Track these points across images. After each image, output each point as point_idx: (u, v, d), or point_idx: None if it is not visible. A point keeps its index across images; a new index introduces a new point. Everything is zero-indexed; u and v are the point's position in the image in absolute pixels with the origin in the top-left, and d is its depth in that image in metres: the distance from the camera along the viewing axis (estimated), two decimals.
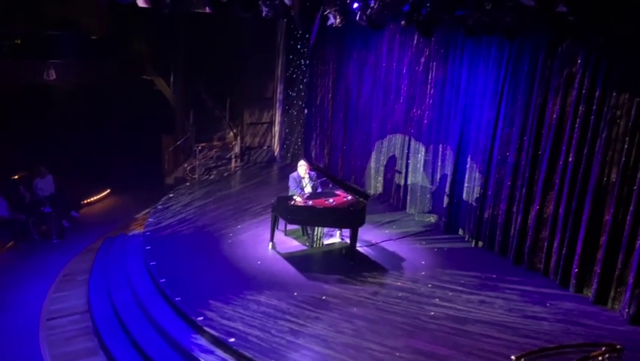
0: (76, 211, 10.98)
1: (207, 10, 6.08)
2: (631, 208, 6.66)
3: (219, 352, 5.98)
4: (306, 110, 13.29)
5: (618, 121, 6.83)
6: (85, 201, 11.69)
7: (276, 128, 13.98)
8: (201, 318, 6.38)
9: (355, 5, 7.18)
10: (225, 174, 12.72)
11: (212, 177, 12.52)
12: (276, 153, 14.07)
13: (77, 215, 10.89)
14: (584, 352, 5.26)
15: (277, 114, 13.88)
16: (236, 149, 13.32)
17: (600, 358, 4.67)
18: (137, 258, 8.21)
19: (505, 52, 8.28)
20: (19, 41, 11.83)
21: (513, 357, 4.68)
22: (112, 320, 7.08)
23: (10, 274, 8.47)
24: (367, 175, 11.52)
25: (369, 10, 6.09)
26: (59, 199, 10.40)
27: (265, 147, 14.01)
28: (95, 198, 12.03)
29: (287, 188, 8.91)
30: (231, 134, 13.69)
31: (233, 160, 13.05)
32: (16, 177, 11.12)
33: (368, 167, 11.48)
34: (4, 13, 12.29)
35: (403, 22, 7.19)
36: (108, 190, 12.48)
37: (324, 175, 8.94)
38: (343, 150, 12.19)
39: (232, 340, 5.97)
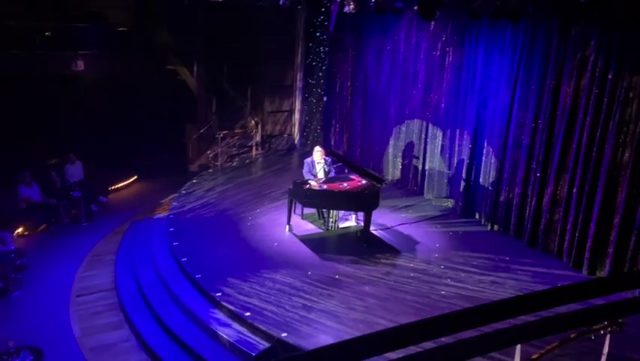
0: (104, 196, 11.43)
1: None
2: None
3: (236, 325, 6.28)
4: (325, 98, 13.48)
5: (631, 102, 6.84)
6: (112, 187, 12.14)
7: (296, 116, 14.20)
8: (219, 294, 6.68)
9: None
10: (247, 162, 13.03)
11: (234, 164, 12.85)
12: (296, 141, 14.30)
13: (105, 200, 11.34)
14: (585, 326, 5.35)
15: (297, 102, 14.09)
16: (257, 137, 13.60)
17: (602, 331, 4.76)
18: (161, 239, 8.58)
19: (520, 37, 8.30)
20: (48, 34, 12.29)
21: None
22: (137, 297, 7.45)
23: (42, 255, 8.94)
24: (385, 161, 11.66)
25: None
26: (88, 185, 10.86)
27: (285, 135, 14.25)
28: (122, 184, 12.48)
29: (303, 176, 9.13)
30: (252, 122, 13.97)
31: (254, 148, 13.34)
32: (48, 163, 11.61)
33: (386, 153, 11.62)
34: (34, 7, 12.81)
35: (415, 8, 7.32)
36: (134, 177, 12.92)
37: (340, 160, 9.13)
38: (362, 136, 12.35)
39: (248, 314, 6.25)
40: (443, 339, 1.79)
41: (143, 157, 13.00)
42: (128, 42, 13.60)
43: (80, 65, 12.00)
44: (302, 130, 14.15)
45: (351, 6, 7.07)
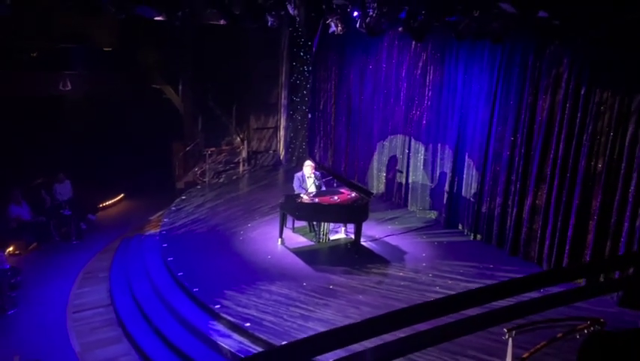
0: (93, 214, 11.50)
1: (221, 22, 6.61)
2: (617, 196, 7.16)
3: (236, 336, 6.47)
4: (309, 115, 13.83)
5: (603, 116, 7.34)
6: (100, 205, 12.21)
7: (281, 132, 14.52)
8: (218, 306, 6.87)
9: (355, 14, 7.71)
10: (234, 178, 13.24)
11: (221, 180, 13.05)
12: (281, 157, 14.59)
13: (94, 218, 11.41)
14: (569, 326, 5.73)
15: (282, 119, 14.42)
16: (244, 153, 13.85)
17: (586, 330, 5.14)
18: (154, 255, 8.72)
19: (498, 55, 8.79)
20: (34, 54, 12.39)
21: (505, 329, 5.13)
22: (134, 311, 7.58)
23: (35, 273, 8.97)
24: (370, 175, 12.02)
25: (368, 18, 6.60)
26: (77, 203, 10.93)
27: (271, 151, 14.54)
28: (110, 202, 12.56)
29: (292, 189, 9.40)
30: (238, 139, 14.22)
31: (241, 164, 13.58)
32: (35, 183, 11.63)
33: (370, 167, 11.99)
34: (20, 28, 12.89)
35: (400, 29, 7.73)
36: (122, 195, 13.00)
37: (330, 174, 9.43)
38: (346, 151, 12.71)
39: (247, 325, 6.45)
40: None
41: (130, 175, 13.10)
42: (114, 62, 13.77)
43: (67, 85, 12.13)
44: (287, 146, 14.46)
45: (339, 28, 7.42)
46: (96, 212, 11.76)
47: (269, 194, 11.79)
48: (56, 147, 12.13)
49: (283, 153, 14.56)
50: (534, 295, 2.90)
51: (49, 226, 10.20)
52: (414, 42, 10.40)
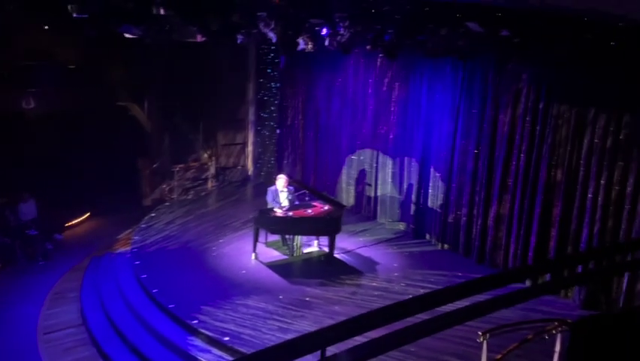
0: (59, 234, 11.25)
1: (198, 39, 6.72)
2: (576, 203, 7.60)
3: (215, 350, 6.51)
4: (278, 131, 13.98)
5: (560, 128, 7.80)
6: (66, 224, 11.96)
7: (249, 148, 14.60)
8: (196, 321, 6.89)
9: (324, 31, 7.96)
10: (202, 194, 13.22)
11: (189, 197, 13.00)
12: (249, 172, 14.65)
13: (60, 237, 11.16)
14: (539, 328, 6.02)
15: (250, 135, 14.51)
16: (212, 169, 13.85)
17: (554, 331, 5.41)
18: (127, 272, 8.63)
19: (460, 72, 9.21)
20: None
21: (479, 333, 5.37)
22: (108, 330, 7.49)
23: (0, 296, 8.72)
24: (339, 189, 12.23)
25: (340, 36, 6.85)
26: (42, 223, 10.69)
27: (239, 167, 14.58)
28: (76, 221, 12.31)
29: (262, 205, 9.48)
30: (205, 155, 14.22)
31: (209, 180, 13.57)
32: None
33: (339, 181, 12.21)
34: None
35: (368, 47, 8.02)
36: (88, 213, 12.77)
37: (303, 188, 9.57)
38: (315, 166, 12.91)
39: (226, 339, 6.51)
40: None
41: (96, 193, 12.88)
42: (78, 79, 13.58)
43: (31, 103, 11.89)
44: (255, 162, 14.54)
45: (309, 45, 7.63)
46: (62, 231, 11.50)
47: (239, 209, 11.83)
48: (18, 165, 11.84)
49: (252, 169, 14.63)
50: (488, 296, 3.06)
51: (14, 246, 9.93)
52: (379, 59, 10.75)
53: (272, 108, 14.06)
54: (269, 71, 13.84)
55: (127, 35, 7.47)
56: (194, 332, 6.78)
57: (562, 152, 7.82)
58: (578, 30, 5.94)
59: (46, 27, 9.43)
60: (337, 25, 6.97)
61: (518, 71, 8.28)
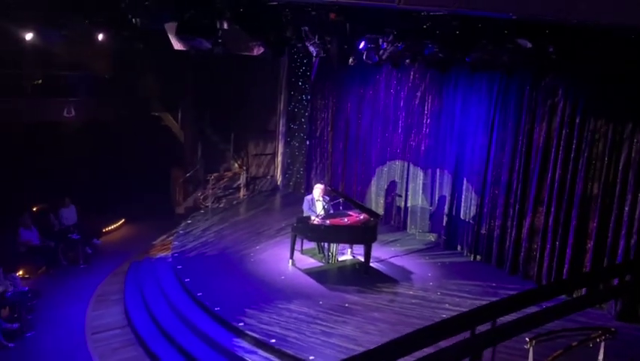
0: (98, 239, 11.57)
1: (254, 52, 7.01)
2: (612, 217, 7.72)
3: (262, 352, 6.71)
4: (307, 142, 14.26)
5: (597, 142, 7.95)
6: (104, 230, 12.30)
7: (279, 159, 14.89)
8: (242, 324, 7.10)
9: (362, 45, 8.22)
10: (234, 202, 13.50)
11: (221, 205, 13.28)
12: (278, 182, 14.93)
13: (99, 242, 11.48)
14: (584, 335, 6.15)
15: (280, 146, 14.82)
16: (242, 179, 14.15)
17: (598, 339, 5.55)
18: (169, 276, 8.90)
19: (495, 85, 9.41)
20: (40, 82, 12.59)
21: (527, 339, 5.51)
22: (155, 332, 7.73)
23: (47, 296, 9.02)
24: (368, 199, 12.43)
25: (384, 52, 7.10)
26: (82, 227, 11.03)
27: (269, 177, 14.87)
28: (112, 227, 12.66)
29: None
30: (236, 165, 14.53)
31: (241, 189, 13.87)
32: (34, 208, 11.68)
33: (369, 192, 12.42)
34: (24, 57, 13.11)
35: (407, 61, 8.28)
36: (123, 220, 13.11)
37: (341, 196, 9.80)
38: (343, 177, 13.14)
39: (273, 341, 6.70)
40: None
41: (130, 201, 13.25)
42: (114, 89, 14.01)
43: (71, 112, 12.30)
44: (284, 172, 14.81)
45: (350, 60, 7.89)
46: (100, 236, 11.84)
47: (271, 218, 12.09)
48: (57, 173, 12.22)
49: (280, 179, 14.91)
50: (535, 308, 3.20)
51: (57, 250, 10.26)
52: (412, 72, 11.00)
53: (302, 120, 14.35)
54: (300, 83, 14.16)
55: (177, 47, 7.80)
56: (241, 334, 6.98)
57: (598, 166, 7.96)
58: (616, 46, 6.13)
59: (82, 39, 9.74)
60: (382, 41, 7.23)
61: (555, 86, 8.46)
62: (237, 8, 5.63)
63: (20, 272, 9.46)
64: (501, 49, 6.44)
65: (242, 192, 13.93)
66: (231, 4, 5.56)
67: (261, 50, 6.74)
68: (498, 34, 5.93)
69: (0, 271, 8.49)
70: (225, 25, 5.80)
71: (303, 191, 14.09)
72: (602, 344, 5.64)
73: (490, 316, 2.89)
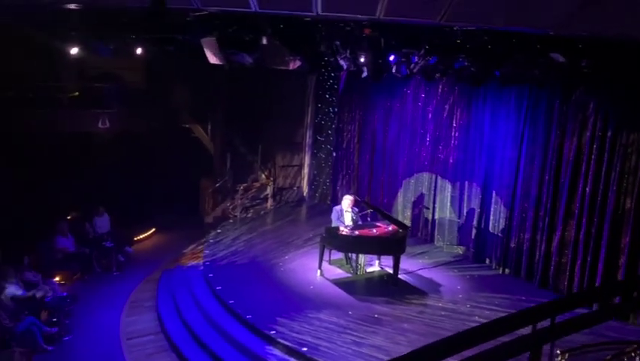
0: (130, 247, 11.85)
1: (290, 66, 7.21)
2: None
3: (293, 360, 6.80)
4: (334, 154, 14.41)
5: (630, 157, 7.92)
6: (135, 238, 12.59)
7: (305, 170, 15.06)
8: (273, 332, 7.22)
9: (392, 58, 8.35)
10: (262, 213, 13.69)
11: (249, 215, 13.48)
12: (305, 194, 15.09)
13: (131, 250, 11.76)
14: (618, 349, 6.10)
15: (306, 157, 15.00)
16: (269, 189, 14.34)
17: (633, 353, 5.52)
18: (201, 284, 9.08)
19: (524, 99, 9.44)
20: (76, 94, 13.01)
21: (558, 351, 5.50)
22: (187, 338, 7.89)
23: (82, 302, 9.27)
24: (394, 211, 12.48)
25: (415, 65, 7.22)
26: (116, 236, 11.32)
27: (295, 188, 15.04)
28: (144, 235, 12.94)
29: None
30: (263, 176, 14.74)
31: (269, 200, 14.06)
32: (69, 217, 12.01)
33: (395, 203, 12.48)
34: (60, 70, 13.59)
35: (437, 75, 8.38)
36: (153, 229, 13.39)
37: (370, 208, 9.90)
38: (369, 188, 13.23)
39: (305, 349, 6.80)
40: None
41: (160, 210, 13.52)
42: (146, 101, 14.39)
43: (106, 123, 12.67)
44: (310, 183, 14.97)
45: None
46: (132, 245, 12.11)
47: (299, 228, 12.24)
48: (90, 182, 12.57)
49: (307, 190, 15.06)
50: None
51: (92, 257, 10.54)
52: (441, 86, 11.09)
53: (329, 132, 14.53)
54: (327, 96, 14.35)
55: (212, 61, 8.05)
56: (273, 341, 7.10)
57: (631, 180, 7.91)
58: None
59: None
60: (413, 55, 7.36)
61: (586, 100, 8.46)
62: (278, 24, 5.86)
63: (57, 278, 9.75)
64: (532, 63, 6.51)
65: (269, 203, 14.12)
66: (272, 20, 5.77)
67: (297, 64, 6.95)
68: (530, 49, 6.01)
69: (39, 277, 8.80)
70: (265, 41, 6.02)
71: (329, 202, 14.23)
72: (638, 358, 5.62)
73: (550, 313, 2.98)
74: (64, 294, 8.51)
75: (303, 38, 6.12)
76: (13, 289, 8.02)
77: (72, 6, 5.71)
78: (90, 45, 8.04)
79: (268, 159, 14.90)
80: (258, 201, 14.27)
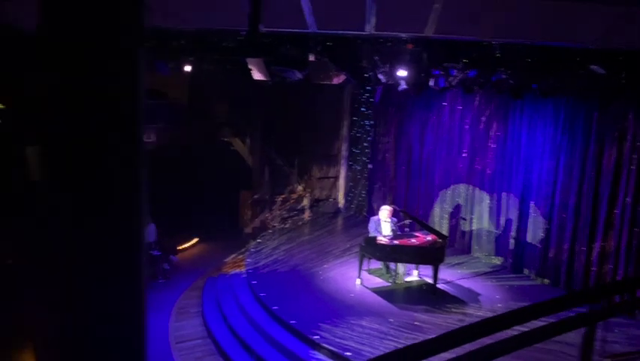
0: (174, 255, 12.31)
1: (334, 81, 7.55)
2: None
3: None
4: (369, 165, 14.66)
5: None
6: (179, 248, 13.06)
7: (341, 182, 15.35)
8: (317, 337, 7.47)
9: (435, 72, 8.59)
10: (299, 223, 14.02)
11: (287, 225, 13.82)
12: (340, 205, 15.36)
13: (176, 259, 12.21)
14: None
15: (342, 170, 15.29)
16: (306, 201, 14.67)
17: None
18: (245, 291, 9.42)
19: (561, 110, 9.53)
20: None
21: (603, 358, 5.59)
22: (234, 343, 8.22)
23: None
24: (431, 222, 12.57)
25: (453, 79, 7.46)
26: (162, 244, 11.79)
27: (331, 199, 15.33)
28: (187, 245, 13.42)
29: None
30: (300, 188, 15.09)
31: (306, 211, 14.40)
32: None
33: (432, 214, 12.61)
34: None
35: (476, 87, 8.56)
36: (196, 239, 13.86)
37: (410, 218, 10.10)
38: (405, 199, 13.40)
39: (348, 354, 7.02)
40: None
41: (202, 220, 13.99)
42: (188, 115, 14.98)
43: (152, 137, 13.25)
44: (346, 195, 15.25)
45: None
46: (176, 253, 12.57)
47: (336, 239, 12.50)
48: None
49: (342, 202, 15.34)
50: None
51: None
52: (477, 98, 11.25)
53: (364, 144, 14.79)
54: (362, 109, 14.65)
55: (257, 77, 8.45)
56: (317, 346, 7.35)
57: None
58: None
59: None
60: (451, 68, 7.59)
61: (624, 110, 8.52)
62: (326, 42, 6.20)
63: None
64: (572, 75, 6.67)
65: (307, 214, 14.43)
66: (322, 39, 6.12)
67: (341, 78, 7.28)
68: (571, 61, 6.18)
69: None
70: (312, 57, 6.37)
71: (364, 213, 14.46)
72: None
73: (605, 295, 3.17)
74: None
75: (348, 54, 6.45)
76: None
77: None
78: (153, 64, 8.54)
79: (305, 171, 15.25)
80: (295, 212, 14.61)
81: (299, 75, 6.87)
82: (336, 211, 15.22)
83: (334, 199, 15.41)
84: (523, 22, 4.48)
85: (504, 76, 7.08)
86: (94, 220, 1.34)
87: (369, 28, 4.76)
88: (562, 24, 4.49)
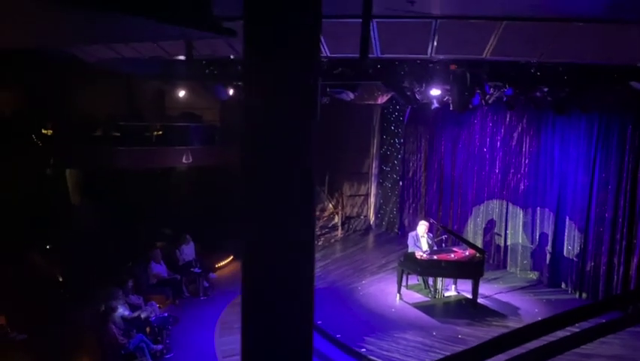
0: (214, 273, 12.60)
1: (379, 101, 7.85)
2: None
3: None
4: (400, 183, 14.88)
5: None
6: (216, 265, 13.36)
7: (371, 199, 15.58)
8: (364, 350, 7.66)
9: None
10: (332, 240, 14.25)
11: (320, 243, 14.05)
12: (371, 222, 15.56)
13: (214, 276, 12.50)
14: None
15: (372, 187, 15.54)
16: (338, 218, 14.92)
17: None
18: None
19: (595, 125, 9.69)
20: (161, 132, 14.18)
21: None
22: None
23: (178, 323, 9.99)
24: (465, 238, 12.74)
25: (490, 97, 7.70)
26: (201, 262, 12.10)
27: (362, 217, 15.55)
28: (224, 263, 13.71)
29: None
30: (331, 205, 15.36)
31: (338, 228, 14.64)
32: (158, 244, 12.93)
33: (465, 230, 12.75)
34: (146, 110, 14.87)
35: (514, 104, 8.78)
36: (231, 256, 14.15)
37: (448, 232, 10.30)
38: (438, 216, 13.56)
39: None
40: None
41: (237, 239, 14.29)
42: (221, 136, 15.42)
43: (189, 158, 13.69)
44: (377, 212, 15.46)
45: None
46: (214, 271, 12.86)
47: (370, 255, 12.71)
48: (175, 211, 13.52)
49: (373, 219, 15.54)
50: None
51: (182, 282, 11.32)
52: (509, 114, 11.45)
53: (394, 162, 15.04)
54: (392, 127, 14.94)
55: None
56: (364, 359, 7.53)
57: None
58: None
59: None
60: (487, 86, 7.84)
61: None
62: (376, 65, 6.54)
63: (153, 302, 10.53)
64: (610, 91, 6.86)
65: (339, 231, 14.67)
66: (373, 62, 6.45)
67: (385, 98, 7.58)
68: (608, 78, 6.39)
69: (141, 300, 9.60)
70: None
71: (396, 230, 14.64)
72: None
73: None
74: (166, 315, 9.24)
75: (397, 76, 6.77)
76: (121, 310, 8.83)
77: None
78: (215, 89, 8.89)
79: (335, 189, 15.53)
80: (327, 229, 14.86)
81: (351, 95, 7.18)
82: (367, 228, 15.42)
83: (365, 217, 15.63)
84: (576, 44, 4.73)
85: (538, 94, 7.30)
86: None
87: (431, 52, 5.05)
88: (613, 45, 4.72)
